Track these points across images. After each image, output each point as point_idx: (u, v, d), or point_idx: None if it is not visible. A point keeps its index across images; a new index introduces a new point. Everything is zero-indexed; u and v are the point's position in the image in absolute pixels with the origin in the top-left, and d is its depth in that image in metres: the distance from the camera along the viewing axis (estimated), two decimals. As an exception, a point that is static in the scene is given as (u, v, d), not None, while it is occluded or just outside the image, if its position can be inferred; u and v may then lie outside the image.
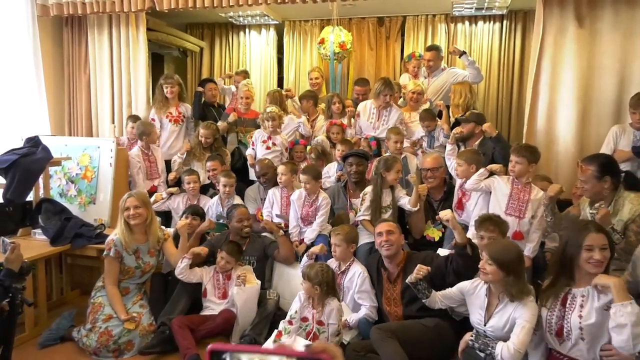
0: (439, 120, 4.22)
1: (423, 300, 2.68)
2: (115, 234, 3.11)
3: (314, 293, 2.74)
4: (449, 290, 2.66)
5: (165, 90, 4.55)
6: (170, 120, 4.59)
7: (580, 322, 2.10)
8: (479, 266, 2.37)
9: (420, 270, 2.63)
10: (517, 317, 2.26)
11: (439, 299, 2.66)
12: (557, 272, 2.27)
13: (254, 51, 6.40)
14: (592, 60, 3.85)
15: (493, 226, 2.75)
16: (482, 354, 2.32)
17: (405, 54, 5.67)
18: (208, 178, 4.21)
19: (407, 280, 2.69)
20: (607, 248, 2.12)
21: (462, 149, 3.79)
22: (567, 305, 2.17)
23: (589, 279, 2.14)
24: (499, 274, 2.30)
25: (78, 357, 2.90)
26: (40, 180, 3.75)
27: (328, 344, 0.65)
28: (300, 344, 2.84)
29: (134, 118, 4.56)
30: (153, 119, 4.58)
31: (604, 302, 2.06)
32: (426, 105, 4.48)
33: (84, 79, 4.98)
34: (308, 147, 4.30)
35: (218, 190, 3.96)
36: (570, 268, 2.21)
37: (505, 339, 2.26)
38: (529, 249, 3.01)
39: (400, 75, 5.56)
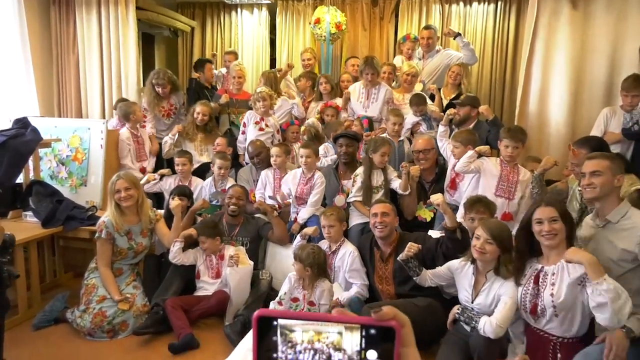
0: (430, 102, 4.21)
1: (414, 278, 2.73)
2: (106, 216, 3.11)
3: (305, 274, 2.77)
4: (439, 269, 2.71)
5: (157, 89, 4.43)
6: (163, 115, 4.54)
7: (552, 300, 2.13)
8: (476, 247, 2.39)
9: (411, 248, 2.67)
10: (502, 294, 2.32)
11: (429, 277, 2.72)
12: (521, 247, 2.32)
13: (246, 31, 6.31)
14: (585, 43, 3.86)
15: (483, 208, 2.79)
16: (467, 327, 2.39)
17: (399, 36, 5.62)
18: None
19: (398, 258, 2.74)
20: (557, 220, 2.17)
21: (455, 130, 3.80)
22: (540, 283, 2.22)
23: (557, 256, 2.19)
24: (497, 252, 2.35)
25: (72, 338, 2.91)
26: (30, 162, 3.72)
27: (398, 311, 0.55)
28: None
29: (123, 101, 4.48)
30: (146, 109, 4.50)
31: (575, 277, 2.10)
32: (419, 86, 4.46)
33: (72, 59, 4.90)
34: (302, 128, 4.28)
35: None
36: (531, 242, 2.27)
37: (491, 314, 2.31)
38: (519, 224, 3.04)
39: (394, 56, 5.52)
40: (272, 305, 2.79)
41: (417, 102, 4.07)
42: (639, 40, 3.66)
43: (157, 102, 4.50)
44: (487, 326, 2.24)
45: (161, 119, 4.55)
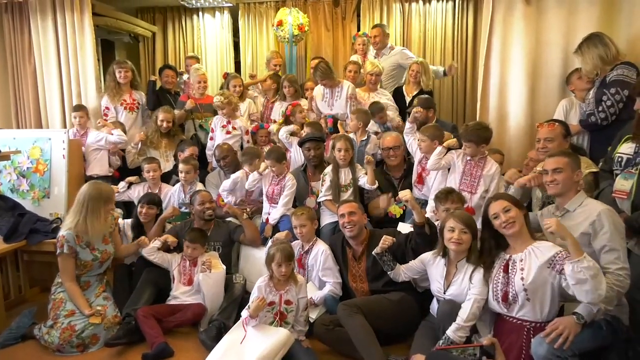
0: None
1: (388, 273, 2.78)
2: (65, 229, 2.96)
3: (292, 269, 2.76)
4: (411, 262, 2.77)
5: (118, 76, 4.42)
6: (125, 108, 4.47)
7: (523, 284, 2.21)
8: (452, 239, 2.44)
9: (385, 241, 2.72)
10: (470, 287, 2.38)
11: (403, 271, 2.77)
12: (488, 243, 2.42)
13: (209, 35, 6.26)
14: (539, 36, 4.00)
15: (457, 197, 2.89)
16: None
17: (360, 35, 5.69)
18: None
19: (373, 252, 2.78)
20: (510, 209, 2.29)
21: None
22: (510, 271, 2.30)
23: (523, 244, 2.29)
24: (470, 241, 2.44)
25: (41, 355, 2.82)
26: (-12, 176, 3.59)
27: None
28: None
29: (78, 107, 4.35)
30: (107, 108, 4.45)
31: (545, 260, 2.18)
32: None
33: (29, 69, 4.77)
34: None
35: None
36: (497, 236, 2.38)
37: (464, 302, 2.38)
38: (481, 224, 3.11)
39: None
40: (244, 312, 2.71)
41: (375, 111, 4.10)
42: (590, 32, 3.80)
43: (119, 92, 4.45)
44: (456, 330, 2.32)
45: (123, 112, 4.48)
